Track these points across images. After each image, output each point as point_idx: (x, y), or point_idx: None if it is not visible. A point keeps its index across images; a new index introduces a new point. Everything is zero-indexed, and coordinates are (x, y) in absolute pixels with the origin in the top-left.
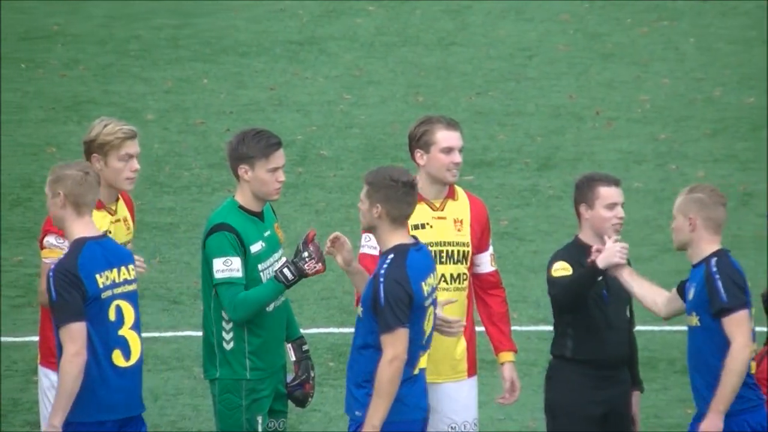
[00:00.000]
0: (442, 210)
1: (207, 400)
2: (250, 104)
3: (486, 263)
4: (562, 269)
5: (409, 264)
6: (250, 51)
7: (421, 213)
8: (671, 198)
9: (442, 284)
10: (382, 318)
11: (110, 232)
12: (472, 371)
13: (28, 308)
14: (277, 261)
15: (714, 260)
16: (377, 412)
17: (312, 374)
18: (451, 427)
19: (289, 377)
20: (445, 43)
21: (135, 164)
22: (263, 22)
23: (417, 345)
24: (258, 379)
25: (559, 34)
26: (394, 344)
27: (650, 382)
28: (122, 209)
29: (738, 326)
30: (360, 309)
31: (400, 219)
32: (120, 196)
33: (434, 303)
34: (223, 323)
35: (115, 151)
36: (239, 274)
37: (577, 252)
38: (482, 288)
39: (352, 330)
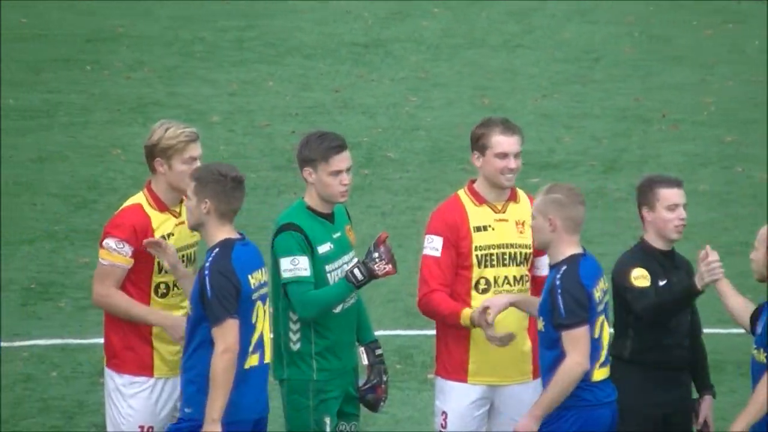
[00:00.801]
0: (504, 212)
1: (277, 402)
2: (315, 106)
3: (545, 266)
4: (642, 277)
5: (235, 256)
6: (316, 53)
7: (483, 215)
8: (737, 200)
9: (506, 286)
10: (210, 311)
11: (173, 235)
12: (536, 373)
13: (94, 310)
14: (346, 263)
15: (563, 269)
16: (215, 404)
17: (385, 378)
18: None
19: (361, 380)
20: (511, 46)
21: (197, 166)
22: (329, 23)
23: (246, 340)
24: (325, 380)
25: (624, 37)
26: (225, 336)
27: (717, 386)
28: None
29: (573, 343)
30: (189, 307)
31: (227, 214)
32: (184, 198)
33: (263, 299)
34: (291, 324)
35: (179, 154)
36: (307, 273)
37: (646, 256)
38: (538, 291)
39: (420, 332)
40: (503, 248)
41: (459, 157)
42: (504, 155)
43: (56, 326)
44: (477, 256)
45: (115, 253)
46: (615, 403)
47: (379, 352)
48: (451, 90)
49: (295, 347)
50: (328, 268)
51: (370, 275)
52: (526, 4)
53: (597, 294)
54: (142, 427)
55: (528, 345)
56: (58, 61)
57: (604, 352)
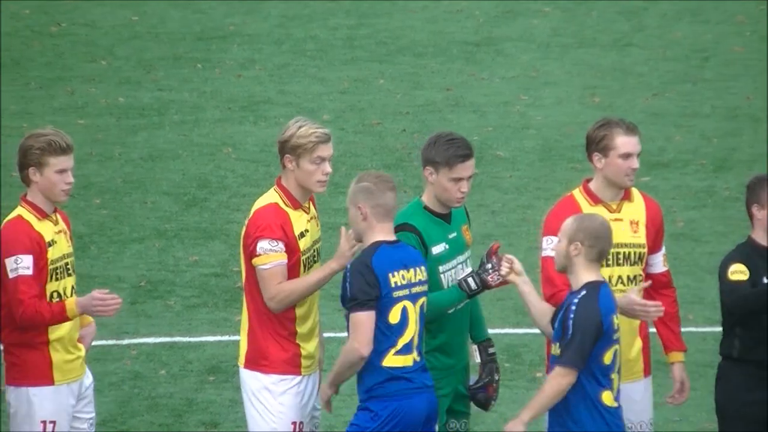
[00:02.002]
0: (619, 212)
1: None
2: (426, 105)
3: (659, 263)
4: (739, 272)
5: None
6: (427, 51)
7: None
8: None
9: (620, 286)
10: None
11: (308, 231)
12: (647, 371)
13: (203, 308)
14: (461, 263)
15: (365, 250)
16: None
17: (496, 377)
18: (628, 428)
19: (473, 379)
20: (621, 45)
21: (327, 167)
22: (440, 22)
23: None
24: (436, 378)
25: (734, 36)
26: None
27: None
28: (312, 208)
29: (354, 325)
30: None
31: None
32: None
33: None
34: None
35: (308, 154)
36: None
37: (751, 253)
38: (653, 288)
39: (529, 331)
40: (618, 248)
41: (569, 156)
42: (628, 156)
43: (165, 324)
44: None
45: (272, 253)
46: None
47: (491, 350)
48: (561, 89)
49: None
50: (441, 268)
51: (484, 286)
52: (637, 3)
53: (394, 279)
54: (294, 424)
55: (639, 344)
56: (169, 60)
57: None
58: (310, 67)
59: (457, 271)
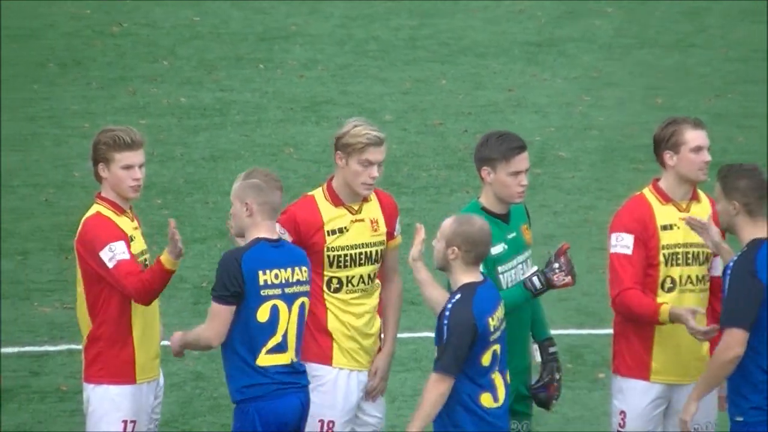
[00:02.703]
0: (688, 211)
1: None
2: (488, 105)
3: (719, 266)
4: None
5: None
6: (489, 52)
7: (669, 214)
8: None
9: (689, 285)
10: None
11: (347, 230)
12: None
13: None
14: (520, 263)
15: (242, 246)
16: None
17: (557, 376)
18: (694, 428)
19: (534, 379)
20: (683, 45)
21: (374, 171)
22: (502, 23)
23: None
24: None
25: None
26: None
27: None
28: (371, 210)
29: (212, 314)
30: None
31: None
32: (376, 196)
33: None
34: None
35: (357, 154)
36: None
37: None
38: (712, 291)
39: (591, 331)
40: (688, 247)
41: (631, 157)
42: (699, 149)
43: None
44: (664, 254)
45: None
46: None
47: (552, 350)
48: (623, 89)
49: None
50: (500, 268)
51: (549, 285)
52: (699, 3)
53: (264, 278)
54: (321, 422)
55: (706, 344)
56: (231, 60)
57: None
58: (372, 67)
59: (517, 271)
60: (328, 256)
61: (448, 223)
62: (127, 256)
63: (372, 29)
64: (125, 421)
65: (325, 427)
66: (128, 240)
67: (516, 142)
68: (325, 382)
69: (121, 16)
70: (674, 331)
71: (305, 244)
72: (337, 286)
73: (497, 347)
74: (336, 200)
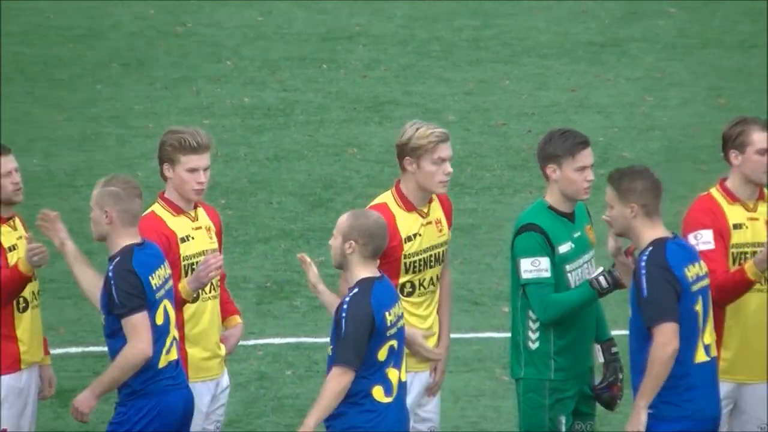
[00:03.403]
0: (755, 211)
1: (508, 402)
2: (551, 105)
3: None
4: None
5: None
6: (552, 52)
7: (738, 213)
8: None
9: (758, 285)
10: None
11: (420, 235)
12: None
13: None
14: (586, 262)
15: (122, 256)
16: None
17: (620, 376)
18: (760, 428)
19: (597, 379)
20: (746, 46)
21: (448, 167)
22: (565, 23)
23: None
24: (562, 379)
25: None
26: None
27: None
28: (435, 211)
29: (133, 328)
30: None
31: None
32: (436, 197)
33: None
34: (530, 323)
35: (429, 154)
36: (547, 274)
37: None
38: None
39: None
40: (756, 246)
41: (694, 157)
42: (765, 151)
43: (291, 325)
44: (733, 253)
45: None
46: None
47: (614, 350)
48: (686, 90)
49: (534, 346)
50: (568, 267)
51: (615, 285)
52: (761, 3)
53: (153, 282)
54: None
55: None
56: (295, 60)
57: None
58: (435, 67)
59: (582, 271)
60: (405, 263)
61: (343, 219)
62: None
63: (435, 29)
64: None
65: None
66: (172, 245)
67: (580, 137)
68: None
69: (185, 17)
70: (743, 329)
71: (385, 251)
72: (410, 290)
73: (394, 342)
74: (408, 206)
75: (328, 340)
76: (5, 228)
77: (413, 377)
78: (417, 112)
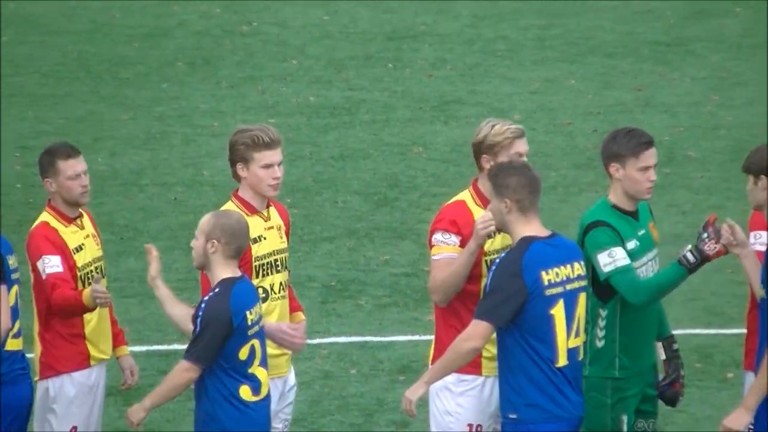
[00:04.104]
0: None
1: None
2: (616, 105)
3: None
4: None
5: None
6: (617, 51)
7: None
8: None
9: None
10: None
11: (498, 232)
12: None
13: (394, 308)
14: (650, 260)
15: None
16: None
17: (682, 373)
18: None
19: (659, 377)
20: None
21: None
22: (630, 22)
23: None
24: (625, 378)
25: None
26: None
27: None
28: None
29: None
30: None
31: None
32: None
33: None
34: (599, 320)
35: (505, 151)
36: (627, 261)
37: None
38: None
39: (719, 331)
40: None
41: None
42: None
43: (356, 324)
44: None
45: (443, 245)
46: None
47: (675, 347)
48: (751, 89)
49: (599, 344)
50: (634, 264)
51: (702, 257)
52: None
53: (11, 262)
54: (471, 426)
55: None
56: (360, 59)
57: None
58: (500, 67)
59: (647, 268)
60: (486, 261)
61: (205, 219)
62: None
63: (500, 29)
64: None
65: (474, 431)
66: (247, 244)
67: (644, 137)
68: (474, 387)
69: (250, 16)
70: None
71: (464, 245)
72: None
73: (256, 342)
74: (487, 203)
75: (393, 339)
76: (71, 228)
77: (494, 380)
78: (482, 111)
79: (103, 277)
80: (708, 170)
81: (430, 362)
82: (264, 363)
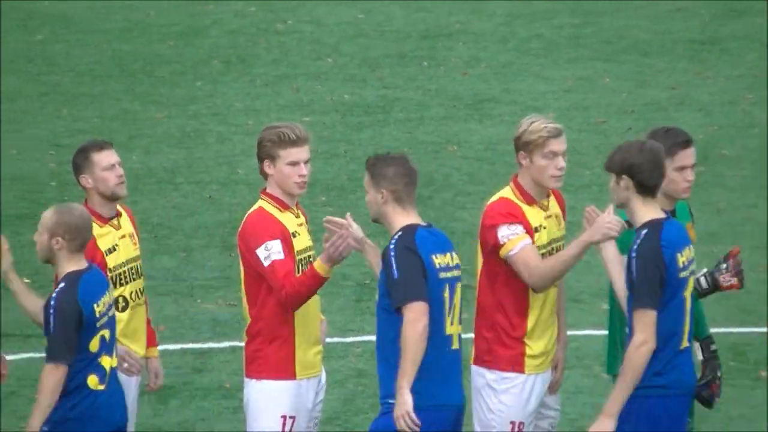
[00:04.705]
0: None
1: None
2: (651, 103)
3: None
4: None
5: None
6: (652, 50)
7: None
8: None
9: None
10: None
11: (544, 227)
12: None
13: None
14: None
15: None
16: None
17: (719, 374)
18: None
19: (696, 377)
20: None
21: (560, 162)
22: (664, 21)
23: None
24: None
25: None
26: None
27: None
28: (554, 206)
29: None
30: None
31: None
32: (551, 193)
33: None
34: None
35: (540, 149)
36: None
37: None
38: None
39: (754, 329)
40: None
41: None
42: None
43: None
44: None
45: (514, 237)
46: None
47: (713, 348)
48: None
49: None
50: None
51: (714, 286)
52: None
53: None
54: (513, 423)
55: None
56: (394, 57)
57: None
58: (534, 65)
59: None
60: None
61: (48, 215)
62: (281, 256)
63: (534, 27)
64: (284, 417)
65: (516, 428)
66: (289, 237)
67: (682, 136)
68: (516, 385)
69: (285, 14)
70: None
71: None
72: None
73: (106, 332)
74: (529, 199)
75: None
76: (106, 229)
77: (535, 378)
78: (516, 109)
79: (140, 277)
80: (742, 169)
81: (471, 359)
82: (110, 351)
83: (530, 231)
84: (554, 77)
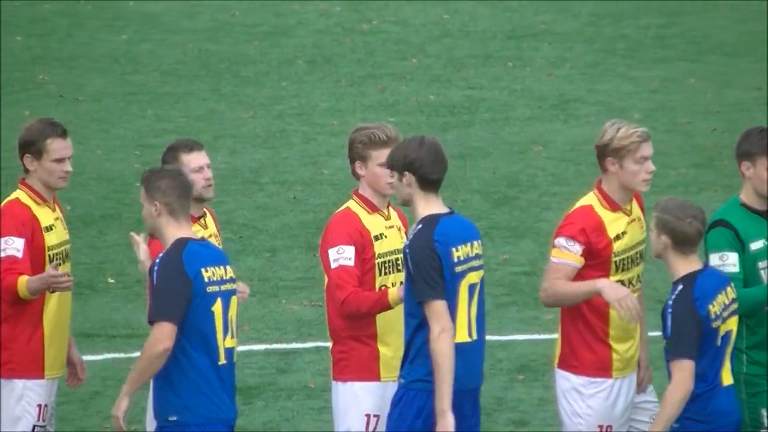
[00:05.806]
0: None
1: None
2: (736, 104)
3: None
4: None
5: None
6: (737, 50)
7: None
8: None
9: None
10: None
11: (626, 233)
12: None
13: (514, 307)
14: None
15: None
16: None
17: None
18: None
19: None
20: None
21: (651, 166)
22: (750, 21)
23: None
24: (756, 374)
25: None
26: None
27: None
28: (636, 209)
29: None
30: None
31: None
32: (635, 197)
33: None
34: None
35: (632, 154)
36: (735, 269)
37: None
38: None
39: None
40: None
41: None
42: None
43: None
44: None
45: (564, 251)
46: None
47: None
48: None
49: None
50: (760, 264)
51: None
52: None
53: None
54: (601, 427)
55: None
56: (480, 58)
57: None
58: (620, 65)
59: None
60: (615, 262)
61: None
62: (350, 263)
63: (620, 28)
64: (368, 416)
65: (604, 431)
66: (369, 242)
67: None
68: (603, 389)
69: (370, 14)
70: None
71: (594, 251)
72: None
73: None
74: (613, 205)
75: (512, 338)
76: (195, 227)
77: (622, 382)
78: (602, 110)
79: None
80: None
81: (555, 362)
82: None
83: (609, 244)
84: (640, 78)
